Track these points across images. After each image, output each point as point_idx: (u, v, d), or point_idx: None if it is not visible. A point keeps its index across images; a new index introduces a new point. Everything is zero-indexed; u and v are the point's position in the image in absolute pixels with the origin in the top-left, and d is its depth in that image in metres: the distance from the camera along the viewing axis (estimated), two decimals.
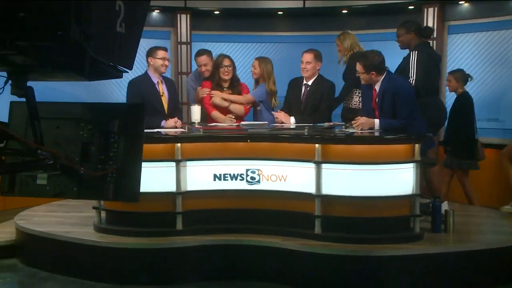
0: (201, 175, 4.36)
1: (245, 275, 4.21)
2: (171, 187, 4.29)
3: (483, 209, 5.10)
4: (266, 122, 5.15)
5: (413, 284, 4.01)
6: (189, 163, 4.32)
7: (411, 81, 5.01)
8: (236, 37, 7.67)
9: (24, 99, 1.88)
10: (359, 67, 4.58)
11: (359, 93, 5.25)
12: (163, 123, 4.94)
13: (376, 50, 4.75)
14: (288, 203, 4.31)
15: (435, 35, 6.71)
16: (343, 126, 4.82)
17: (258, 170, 4.35)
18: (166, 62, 5.10)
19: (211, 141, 4.44)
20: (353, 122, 4.58)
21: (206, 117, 5.33)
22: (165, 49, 5.12)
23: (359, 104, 5.21)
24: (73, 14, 1.62)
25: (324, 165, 4.13)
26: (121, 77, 1.99)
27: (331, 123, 4.97)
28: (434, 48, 6.70)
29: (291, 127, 5.06)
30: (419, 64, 5.08)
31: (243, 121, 5.29)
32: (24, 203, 5.24)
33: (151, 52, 5.06)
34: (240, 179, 4.36)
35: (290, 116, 5.20)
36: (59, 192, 1.96)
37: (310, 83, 5.28)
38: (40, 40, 1.64)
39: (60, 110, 2.05)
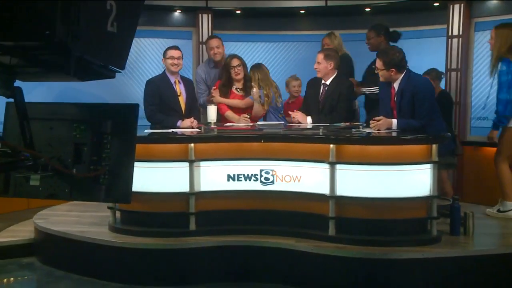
0: (215, 176, 4.34)
1: (258, 276, 4.17)
2: (185, 188, 4.28)
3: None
4: (282, 122, 5.10)
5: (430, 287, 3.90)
6: (202, 163, 4.30)
7: None
8: (258, 36, 7.64)
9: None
10: (379, 63, 4.49)
11: None
12: (179, 123, 4.94)
13: (397, 47, 4.65)
14: (302, 204, 4.25)
15: (460, 32, 6.56)
16: (360, 126, 4.73)
17: (272, 170, 4.30)
18: (175, 61, 5.06)
19: (225, 141, 4.41)
20: (371, 122, 4.49)
21: (221, 118, 5.31)
22: (175, 48, 5.09)
23: None
24: (60, 14, 1.60)
25: (338, 166, 4.06)
26: (114, 77, 1.97)
27: (347, 123, 4.88)
28: (460, 46, 6.56)
29: (308, 127, 4.99)
30: None
31: (258, 121, 5.25)
32: (47, 202, 5.32)
33: (163, 54, 5.10)
34: (254, 180, 4.33)
35: (308, 116, 5.14)
36: (51, 194, 1.95)
37: (328, 82, 5.20)
38: (26, 40, 1.63)
39: (53, 111, 2.04)
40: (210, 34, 7.30)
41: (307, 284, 4.03)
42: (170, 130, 4.68)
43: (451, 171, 5.83)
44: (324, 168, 4.10)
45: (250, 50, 7.44)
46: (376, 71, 4.58)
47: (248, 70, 5.45)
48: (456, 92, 6.63)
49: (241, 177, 4.33)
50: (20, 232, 4.88)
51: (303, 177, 4.23)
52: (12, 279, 4.37)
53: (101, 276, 4.21)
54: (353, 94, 5.32)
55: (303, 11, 7.41)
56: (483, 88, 6.61)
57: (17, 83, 1.93)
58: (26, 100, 1.85)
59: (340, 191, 4.07)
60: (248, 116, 5.25)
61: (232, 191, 4.34)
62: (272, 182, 4.30)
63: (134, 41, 6.28)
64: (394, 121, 4.43)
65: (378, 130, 4.36)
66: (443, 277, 3.89)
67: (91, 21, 1.76)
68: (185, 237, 4.28)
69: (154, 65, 7.14)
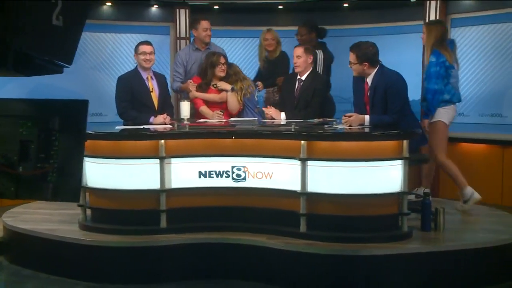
0: (186, 172, 4.30)
1: (230, 274, 4.14)
2: (156, 185, 4.23)
3: (477, 207, 4.95)
4: (256, 118, 5.07)
5: (400, 284, 3.90)
6: (173, 160, 4.26)
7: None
8: (236, 32, 7.58)
9: None
10: (352, 57, 4.47)
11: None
12: (151, 119, 4.89)
13: (371, 42, 4.64)
14: (274, 201, 4.23)
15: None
16: (334, 122, 4.72)
17: (244, 167, 4.27)
18: (148, 57, 4.97)
19: (196, 138, 4.37)
20: (343, 118, 4.47)
21: (195, 113, 5.26)
22: (147, 43, 5.03)
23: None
24: None
25: (309, 162, 4.04)
26: (61, 72, 1.92)
27: (321, 119, 4.87)
28: None
29: (282, 123, 4.96)
30: (326, 62, 5.64)
31: (234, 117, 5.21)
32: (20, 200, 5.22)
33: (135, 49, 5.03)
34: (226, 176, 4.29)
35: (282, 111, 5.11)
36: None
37: (304, 78, 5.18)
38: None
39: None
40: (187, 29, 7.25)
41: (278, 281, 4.01)
42: (141, 127, 4.62)
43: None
44: (295, 164, 4.08)
45: (229, 46, 7.38)
46: (349, 65, 4.57)
47: None
48: None
49: (212, 174, 4.29)
50: None
51: (274, 173, 4.20)
52: None
53: (70, 275, 4.15)
54: (328, 90, 5.30)
55: (281, 7, 7.38)
56: (459, 84, 6.63)
57: None
58: None
59: (311, 187, 4.05)
60: (221, 112, 5.21)
61: (203, 188, 4.30)
62: (244, 178, 4.27)
63: (110, 36, 6.21)
64: (367, 117, 4.41)
65: (350, 126, 4.35)
66: (413, 273, 3.89)
67: (33, 14, 1.71)
68: (156, 234, 4.24)
69: (131, 60, 7.06)
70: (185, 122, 4.91)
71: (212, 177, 4.29)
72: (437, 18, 6.53)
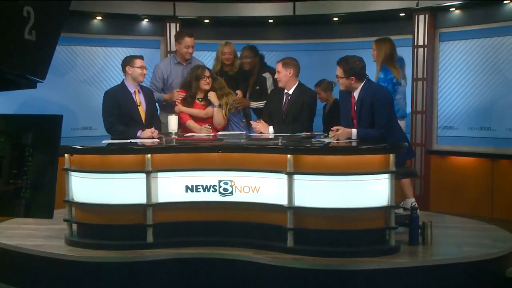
0: (173, 187, 4.27)
1: None
2: (142, 199, 4.21)
3: (466, 220, 4.94)
4: (243, 132, 5.06)
5: None
6: (160, 174, 4.24)
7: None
8: None
9: None
10: (339, 71, 4.47)
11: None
12: (139, 133, 4.87)
13: (358, 56, 4.65)
14: (261, 215, 4.20)
15: (426, 43, 6.61)
16: (322, 136, 4.71)
17: (231, 181, 4.25)
18: (145, 71, 5.05)
19: (182, 152, 4.35)
20: (330, 132, 4.46)
21: (182, 127, 5.25)
22: (142, 58, 5.07)
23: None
24: None
25: (296, 176, 4.02)
26: (35, 87, 1.90)
27: (308, 133, 4.86)
28: (426, 55, 6.61)
29: (269, 137, 4.95)
30: (272, 86, 5.59)
31: (221, 130, 5.20)
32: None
33: (128, 61, 5.00)
34: (213, 191, 4.27)
35: (270, 125, 5.10)
36: None
37: (291, 92, 5.18)
38: None
39: None
40: None
41: None
42: (129, 141, 4.60)
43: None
44: (282, 178, 4.06)
45: None
46: (336, 80, 4.57)
47: None
48: (422, 101, 6.66)
49: (199, 188, 4.27)
50: None
51: (261, 187, 4.18)
52: None
53: None
54: (315, 103, 5.30)
55: (271, 20, 7.41)
56: (449, 97, 6.66)
57: None
58: None
59: (298, 201, 4.03)
60: (210, 127, 5.20)
61: (190, 202, 4.27)
62: (231, 193, 4.25)
63: (101, 50, 6.20)
64: (354, 130, 4.41)
65: (337, 140, 4.34)
66: (400, 286, 3.86)
67: (3, 29, 1.70)
68: (142, 249, 4.20)
69: (121, 74, 7.06)
70: (173, 136, 4.89)
71: (199, 191, 4.27)
72: (426, 32, 6.58)
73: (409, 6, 6.58)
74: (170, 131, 4.97)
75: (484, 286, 4.00)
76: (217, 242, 4.22)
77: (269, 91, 5.58)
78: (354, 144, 4.30)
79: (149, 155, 4.19)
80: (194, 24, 7.21)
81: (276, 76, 5.12)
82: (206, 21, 7.36)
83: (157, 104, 5.46)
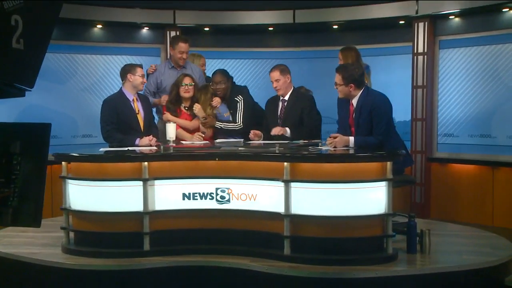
0: (170, 194, 4.26)
1: None
2: (139, 207, 4.19)
3: (466, 228, 4.91)
4: (241, 140, 5.05)
5: None
6: (157, 182, 4.23)
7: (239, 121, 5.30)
8: (227, 53, 7.63)
9: None
10: (338, 78, 4.46)
11: None
12: (137, 141, 4.87)
13: (357, 63, 4.63)
14: (258, 223, 4.19)
15: (425, 50, 6.61)
16: (319, 144, 4.70)
17: (228, 189, 4.24)
18: (145, 79, 5.10)
19: (180, 160, 4.34)
20: (327, 139, 4.45)
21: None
22: (142, 66, 5.09)
23: None
24: None
25: (293, 184, 4.01)
26: (23, 95, 1.90)
27: (306, 141, 4.85)
28: (425, 63, 6.61)
29: (264, 143, 4.97)
30: (247, 106, 5.37)
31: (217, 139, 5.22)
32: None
33: (130, 69, 5.00)
34: (210, 198, 4.25)
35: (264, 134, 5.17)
36: None
37: (286, 97, 5.20)
38: None
39: None
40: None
41: None
42: (126, 149, 4.59)
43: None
44: (279, 186, 4.05)
45: (219, 67, 7.38)
46: (335, 87, 4.56)
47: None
48: (422, 109, 6.66)
49: (196, 196, 4.26)
50: None
51: (258, 195, 4.16)
52: None
53: None
54: (315, 106, 5.31)
55: (271, 28, 7.43)
56: (449, 105, 6.65)
57: None
58: None
59: (295, 209, 4.01)
60: (203, 134, 5.21)
61: (187, 210, 4.26)
62: (228, 200, 4.24)
63: (101, 58, 6.22)
64: (351, 138, 4.39)
65: (334, 147, 4.32)
66: None
67: None
68: (139, 257, 4.18)
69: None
70: (171, 143, 4.89)
71: (196, 199, 4.26)
72: (426, 39, 6.58)
73: (409, 14, 6.59)
74: (168, 138, 4.97)
75: None
76: (214, 250, 4.20)
77: (242, 113, 5.31)
78: (351, 151, 4.29)
79: (146, 163, 4.19)
80: (194, 32, 7.24)
81: (274, 86, 5.12)
82: (206, 29, 7.39)
83: (154, 112, 5.49)
